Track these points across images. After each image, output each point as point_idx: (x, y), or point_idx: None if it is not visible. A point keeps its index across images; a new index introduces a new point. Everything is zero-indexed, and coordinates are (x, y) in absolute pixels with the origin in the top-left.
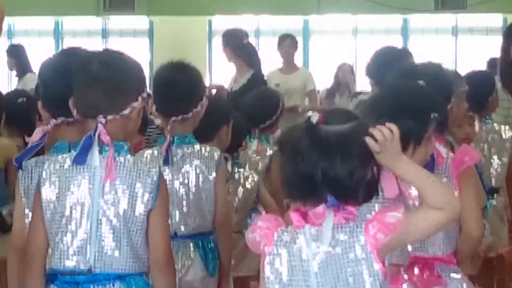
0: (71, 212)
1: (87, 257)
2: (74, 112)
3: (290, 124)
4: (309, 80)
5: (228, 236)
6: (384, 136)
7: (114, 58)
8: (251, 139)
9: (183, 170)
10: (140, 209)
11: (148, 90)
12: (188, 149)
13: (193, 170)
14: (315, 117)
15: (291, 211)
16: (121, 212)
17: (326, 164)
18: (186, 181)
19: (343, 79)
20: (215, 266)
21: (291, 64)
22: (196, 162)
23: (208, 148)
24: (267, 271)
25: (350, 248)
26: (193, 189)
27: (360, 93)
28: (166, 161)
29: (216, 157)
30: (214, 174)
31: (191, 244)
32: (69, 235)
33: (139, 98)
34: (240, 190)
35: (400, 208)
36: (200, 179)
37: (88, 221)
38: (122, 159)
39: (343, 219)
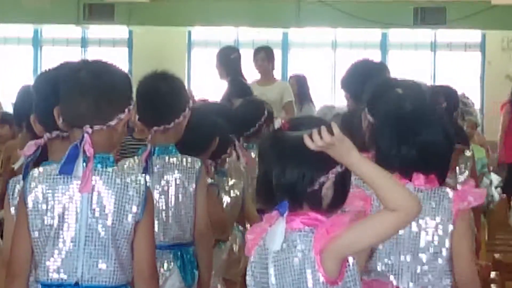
0: (58, 224)
1: (75, 270)
2: (59, 121)
3: None
4: (286, 93)
5: (207, 248)
6: (322, 140)
7: (103, 69)
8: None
9: (163, 180)
10: (128, 221)
11: None
12: (169, 159)
13: (173, 181)
14: (278, 123)
15: (264, 215)
16: (109, 224)
17: (279, 169)
18: (166, 191)
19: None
20: (193, 277)
21: (268, 76)
22: (177, 173)
23: (189, 159)
24: (248, 277)
25: (298, 253)
26: (172, 200)
27: (333, 106)
28: (146, 170)
29: (197, 168)
30: (194, 186)
31: (170, 255)
32: (56, 247)
33: (126, 110)
34: (226, 199)
35: (348, 216)
36: (180, 190)
37: (76, 233)
38: (108, 170)
39: (302, 224)
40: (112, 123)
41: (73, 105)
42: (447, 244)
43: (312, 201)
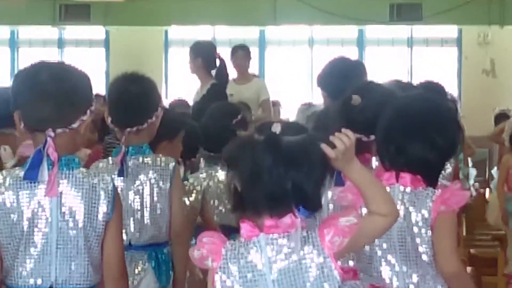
0: (28, 229)
1: (49, 274)
2: (21, 126)
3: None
4: (263, 91)
5: (183, 247)
6: (344, 144)
7: (63, 71)
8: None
9: (137, 180)
10: (99, 221)
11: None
12: (142, 159)
13: (148, 181)
14: (277, 127)
15: (241, 222)
16: (80, 226)
17: (293, 174)
18: (140, 191)
19: None
20: (168, 278)
21: (245, 75)
22: (151, 172)
23: (163, 159)
24: (217, 285)
25: (307, 254)
26: (147, 200)
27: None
28: (121, 173)
29: (171, 168)
30: (168, 185)
31: (145, 255)
32: (28, 252)
33: (88, 111)
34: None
35: (352, 212)
36: (155, 189)
37: (47, 237)
38: (74, 172)
39: (305, 224)
40: (75, 125)
41: (34, 109)
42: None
43: (313, 202)
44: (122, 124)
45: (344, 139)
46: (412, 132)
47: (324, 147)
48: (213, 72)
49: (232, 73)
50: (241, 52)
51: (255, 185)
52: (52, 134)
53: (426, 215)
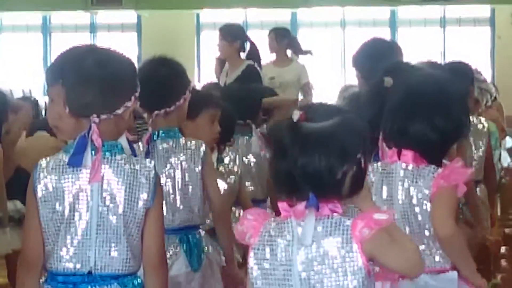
0: (69, 213)
1: (88, 259)
2: (66, 110)
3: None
4: (303, 74)
5: (227, 226)
6: None
7: (108, 57)
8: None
9: (168, 164)
10: (139, 208)
11: None
12: (173, 143)
13: (179, 164)
14: (296, 115)
15: (279, 201)
16: (120, 212)
17: (305, 161)
18: (172, 174)
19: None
20: (199, 261)
21: (283, 57)
22: (182, 156)
23: (193, 142)
24: (251, 262)
25: (335, 244)
26: (179, 183)
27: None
28: (147, 154)
29: (201, 151)
30: (199, 168)
31: (176, 239)
32: (68, 236)
33: (132, 98)
34: (222, 185)
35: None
36: (186, 172)
37: (87, 222)
38: (116, 158)
39: (330, 211)
40: (119, 111)
41: (79, 94)
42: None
43: (335, 190)
44: (150, 107)
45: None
46: (414, 112)
47: None
48: (242, 54)
49: (266, 55)
50: (272, 34)
51: (276, 167)
52: (97, 120)
53: (427, 191)
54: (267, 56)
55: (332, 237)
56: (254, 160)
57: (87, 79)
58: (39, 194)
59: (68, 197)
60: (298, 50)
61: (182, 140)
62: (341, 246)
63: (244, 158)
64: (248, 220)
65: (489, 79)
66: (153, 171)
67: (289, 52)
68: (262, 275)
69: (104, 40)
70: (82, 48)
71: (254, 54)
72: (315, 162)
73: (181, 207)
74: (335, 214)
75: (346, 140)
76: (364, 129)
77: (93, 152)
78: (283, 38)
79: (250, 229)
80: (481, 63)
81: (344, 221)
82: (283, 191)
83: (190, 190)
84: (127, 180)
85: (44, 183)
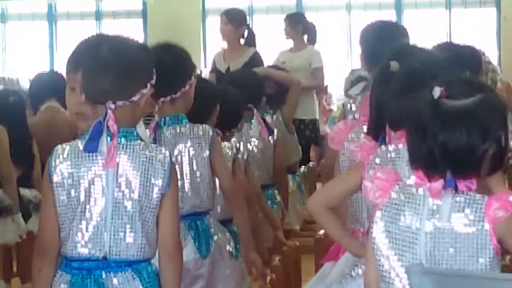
0: (85, 199)
1: (103, 244)
2: (82, 97)
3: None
4: (314, 58)
5: (241, 208)
6: None
7: (124, 44)
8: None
9: (176, 150)
10: (154, 194)
11: None
12: (180, 129)
13: (187, 150)
14: (436, 92)
15: (414, 170)
16: (135, 197)
17: (445, 138)
18: (179, 161)
19: None
20: (208, 247)
21: (299, 43)
22: (189, 142)
23: (200, 127)
24: (377, 221)
25: (466, 220)
26: (187, 169)
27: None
28: (154, 141)
29: (209, 136)
30: (207, 153)
31: (184, 225)
32: (83, 222)
33: (148, 85)
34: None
35: None
36: (194, 158)
37: (102, 207)
38: (132, 144)
39: (466, 187)
40: (135, 98)
41: (95, 81)
42: None
43: (474, 168)
44: (156, 94)
45: None
46: (404, 93)
47: None
48: (242, 41)
49: (271, 41)
50: (285, 23)
51: (415, 144)
52: (113, 106)
53: None
54: (274, 42)
55: (463, 213)
56: (259, 145)
57: (103, 66)
58: (55, 180)
59: (84, 183)
60: (311, 40)
61: (189, 126)
62: (472, 223)
63: (248, 144)
64: (379, 179)
65: (495, 61)
66: (169, 158)
67: (305, 38)
68: (387, 237)
69: (110, 28)
70: (95, 37)
71: (252, 42)
72: (456, 139)
73: (189, 193)
74: (471, 192)
75: (487, 118)
76: (505, 107)
77: (108, 138)
78: (297, 23)
79: (380, 189)
80: (487, 45)
81: (478, 198)
82: (419, 166)
83: (198, 176)
84: (143, 166)
85: (60, 169)
